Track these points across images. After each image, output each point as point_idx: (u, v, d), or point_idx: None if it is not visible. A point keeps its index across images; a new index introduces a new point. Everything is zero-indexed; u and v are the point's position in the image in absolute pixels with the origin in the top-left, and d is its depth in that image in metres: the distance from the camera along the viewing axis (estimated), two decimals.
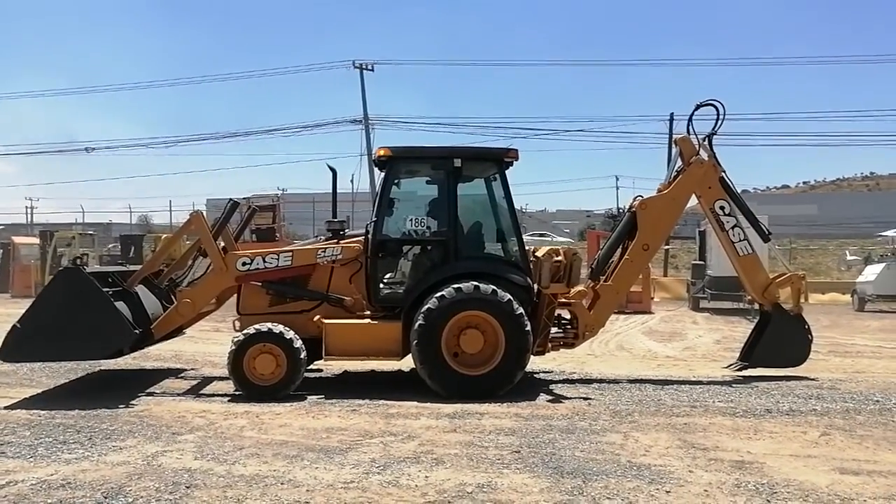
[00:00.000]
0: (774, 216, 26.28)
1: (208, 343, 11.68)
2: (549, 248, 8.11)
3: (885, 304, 20.37)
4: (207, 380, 8.54)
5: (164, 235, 26.31)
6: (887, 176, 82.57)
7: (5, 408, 6.90)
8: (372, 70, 34.58)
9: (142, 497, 4.40)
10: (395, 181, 7.98)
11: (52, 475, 4.82)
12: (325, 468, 4.99)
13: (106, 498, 4.38)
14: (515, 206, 8.15)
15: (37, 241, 26.89)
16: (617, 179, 61.07)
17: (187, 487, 4.57)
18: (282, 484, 4.65)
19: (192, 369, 9.36)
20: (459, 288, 7.29)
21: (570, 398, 7.38)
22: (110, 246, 29.39)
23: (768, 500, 4.34)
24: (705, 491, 4.51)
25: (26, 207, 49.63)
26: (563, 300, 8.16)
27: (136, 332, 7.29)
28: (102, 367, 9.16)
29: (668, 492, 4.49)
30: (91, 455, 5.31)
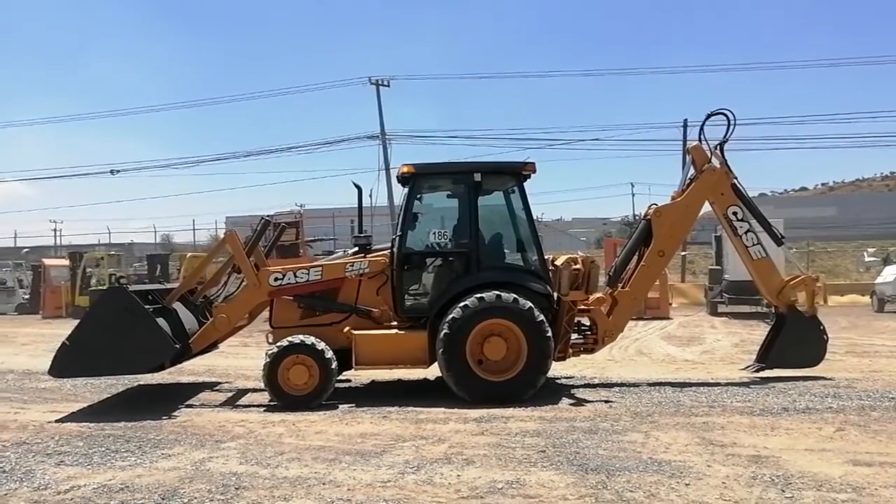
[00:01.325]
0: (792, 219, 26.40)
1: (238, 357, 12.08)
2: (567, 256, 8.40)
3: None
4: (242, 392, 8.91)
5: (190, 254, 26.91)
6: None
7: (56, 421, 7.31)
8: (388, 86, 35.12)
9: (196, 498, 4.74)
10: (418, 196, 8.33)
11: (110, 480, 5.18)
12: (363, 469, 5.31)
13: (163, 499, 4.73)
14: (534, 217, 8.46)
15: (66, 262, 27.57)
16: (633, 186, 61.08)
17: (236, 489, 4.91)
18: (324, 484, 4.98)
19: (227, 382, 9.74)
20: (482, 297, 7.60)
21: (592, 401, 7.64)
22: (136, 265, 30.04)
23: (783, 490, 4.60)
24: (723, 483, 4.77)
25: (52, 230, 50.63)
26: (583, 307, 8.44)
27: (177, 346, 7.69)
28: (141, 382, 9.57)
29: (687, 484, 4.76)
30: (143, 462, 5.67)
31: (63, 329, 17.52)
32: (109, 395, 8.89)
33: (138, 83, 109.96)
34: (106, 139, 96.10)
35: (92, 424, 7.04)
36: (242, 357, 12.21)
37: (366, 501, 4.59)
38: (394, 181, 36.85)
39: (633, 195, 54.75)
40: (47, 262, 29.24)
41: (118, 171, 42.13)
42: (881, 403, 7.26)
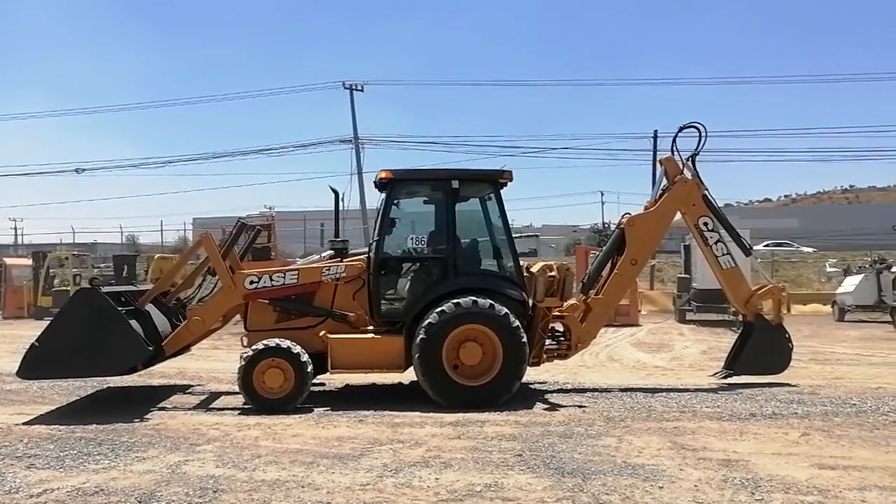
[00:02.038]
0: (756, 229, 26.98)
1: (209, 360, 11.96)
2: (543, 263, 8.52)
3: (864, 314, 20.95)
4: (215, 395, 8.83)
5: (158, 256, 26.51)
6: (866, 189, 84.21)
7: (24, 423, 7.17)
8: (361, 90, 35.08)
9: (174, 501, 4.72)
10: (396, 202, 8.37)
11: (84, 483, 5.12)
12: (341, 472, 5.33)
13: (140, 502, 4.69)
14: (510, 224, 8.56)
15: (29, 262, 26.94)
16: (602, 195, 62.06)
17: (214, 492, 4.89)
18: (302, 487, 4.99)
19: (198, 385, 9.64)
20: (459, 303, 7.67)
21: (566, 406, 7.75)
22: (101, 266, 29.46)
23: (753, 493, 4.74)
24: (695, 486, 4.90)
25: (12, 228, 49.38)
26: (557, 313, 8.56)
27: (150, 348, 7.61)
28: (110, 385, 9.42)
29: (661, 488, 4.88)
30: (117, 465, 5.61)
31: (25, 330, 17.20)
32: (78, 398, 8.74)
33: (107, 81, 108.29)
34: (71, 137, 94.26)
35: (62, 427, 6.93)
36: (213, 360, 12.09)
37: None
38: (367, 185, 36.83)
39: (603, 203, 55.51)
40: (9, 261, 28.55)
41: (84, 170, 41.34)
42: (843, 409, 7.50)
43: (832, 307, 22.26)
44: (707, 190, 9.17)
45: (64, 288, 24.78)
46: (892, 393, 8.48)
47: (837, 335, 16.96)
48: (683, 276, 21.82)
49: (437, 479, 5.14)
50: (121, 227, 51.80)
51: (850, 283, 21.23)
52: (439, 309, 7.66)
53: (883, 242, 32.38)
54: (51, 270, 25.50)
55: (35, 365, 7.36)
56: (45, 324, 8.06)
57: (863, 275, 20.88)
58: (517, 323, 7.74)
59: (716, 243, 9.10)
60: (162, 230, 38.46)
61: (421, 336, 7.62)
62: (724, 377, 9.27)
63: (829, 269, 24.68)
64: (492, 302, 7.70)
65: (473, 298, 7.68)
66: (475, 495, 4.77)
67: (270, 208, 38.00)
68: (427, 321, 7.64)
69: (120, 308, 7.59)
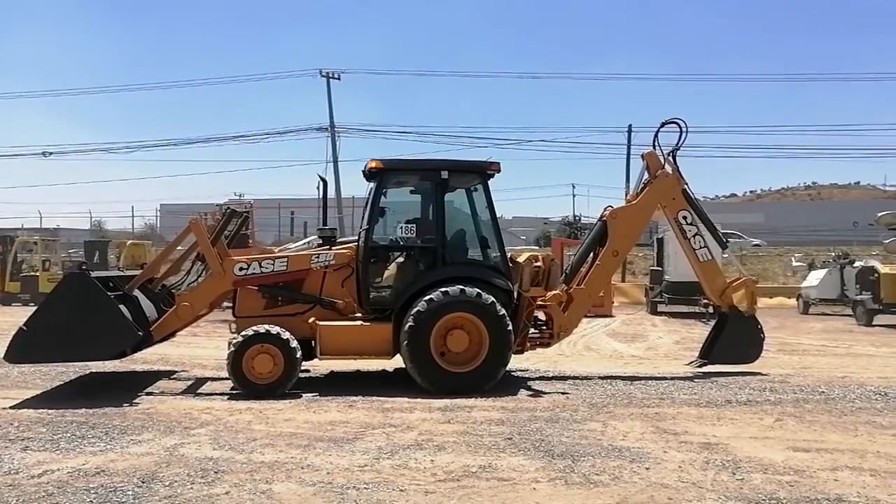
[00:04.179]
0: (723, 224, 27.57)
1: (190, 347, 11.96)
2: (529, 254, 8.71)
3: (827, 307, 21.64)
4: (201, 380, 8.87)
5: (130, 242, 26.18)
6: (828, 186, 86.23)
7: (11, 407, 7.14)
8: (338, 79, 34.87)
9: (177, 481, 4.81)
10: (385, 191, 8.48)
11: (84, 465, 5.18)
12: (338, 455, 5.47)
13: (143, 482, 4.78)
14: (497, 215, 8.73)
15: None
16: (573, 188, 62.63)
17: (216, 473, 4.99)
18: (302, 468, 5.11)
19: (183, 371, 9.66)
20: (446, 291, 7.83)
21: (549, 393, 7.98)
22: (70, 252, 28.93)
23: (734, 473, 5.01)
24: (679, 467, 5.15)
25: None
26: (540, 303, 8.77)
27: (140, 333, 7.63)
28: (93, 370, 9.40)
29: (647, 468, 5.12)
30: (114, 447, 5.67)
31: None
32: (62, 383, 8.71)
33: (76, 64, 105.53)
34: (38, 120, 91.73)
35: (51, 411, 6.93)
36: (194, 346, 12.09)
37: (347, 484, 4.76)
38: (343, 174, 36.70)
39: (574, 196, 56.03)
40: None
41: (51, 154, 40.45)
42: (813, 396, 7.85)
43: (797, 300, 22.93)
44: (686, 184, 9.45)
45: (32, 273, 24.33)
46: (857, 381, 8.89)
47: (803, 327, 17.54)
48: (656, 268, 22.27)
49: (432, 460, 5.31)
50: (90, 213, 50.91)
51: (815, 277, 21.88)
52: (427, 297, 7.80)
53: (844, 238, 33.37)
54: (18, 256, 24.98)
55: (23, 349, 7.33)
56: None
57: (826, 269, 21.53)
58: (503, 311, 7.93)
59: (694, 236, 9.39)
60: (133, 216, 37.87)
61: (409, 324, 7.77)
62: (699, 366, 9.59)
63: (794, 264, 25.40)
64: (479, 291, 7.87)
65: (461, 287, 7.84)
66: (471, 476, 4.95)
67: (240, 195, 37.65)
68: (416, 309, 7.78)
69: (109, 293, 7.59)
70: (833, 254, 23.16)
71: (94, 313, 7.31)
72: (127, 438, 5.95)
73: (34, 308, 7.98)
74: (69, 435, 6.05)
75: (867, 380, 9.06)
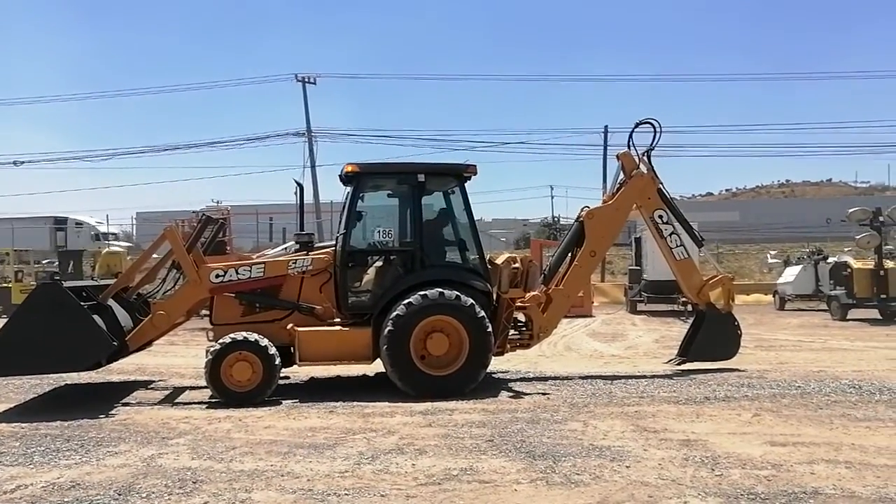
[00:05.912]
0: (700, 222, 27.86)
1: (167, 356, 11.82)
2: (507, 256, 8.73)
3: (803, 303, 21.97)
4: (178, 389, 8.76)
5: (105, 251, 25.79)
6: (801, 183, 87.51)
7: None
8: (314, 83, 34.76)
9: (154, 492, 4.74)
10: (361, 195, 8.45)
11: (58, 478, 5.08)
12: (318, 461, 5.42)
13: (120, 495, 4.70)
14: (475, 217, 8.73)
15: None
16: (552, 189, 62.86)
17: (194, 483, 4.93)
18: (282, 476, 5.06)
19: (160, 380, 9.54)
20: (425, 295, 7.81)
21: (530, 394, 7.99)
22: (44, 262, 28.43)
23: (713, 469, 5.05)
24: (659, 464, 5.18)
25: None
26: (519, 304, 8.78)
27: (115, 344, 7.52)
28: (68, 382, 9.24)
29: (627, 467, 5.14)
30: (89, 460, 5.57)
31: None
32: (36, 395, 8.56)
33: (45, 72, 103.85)
34: (8, 129, 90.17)
35: (25, 424, 6.80)
36: (171, 356, 11.95)
37: (327, 491, 4.72)
38: (321, 178, 36.53)
39: (553, 197, 56.27)
40: None
41: (22, 163, 39.81)
42: (790, 392, 7.95)
43: (773, 296, 23.25)
44: (662, 184, 9.53)
45: (5, 284, 23.89)
46: (832, 376, 9.02)
47: (779, 323, 17.78)
48: (634, 268, 22.46)
49: (413, 464, 5.29)
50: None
51: (790, 273, 22.21)
52: (406, 301, 7.79)
53: (818, 234, 33.85)
54: None
55: None
56: None
57: (801, 266, 21.86)
58: (483, 314, 7.93)
59: (670, 235, 9.48)
60: (108, 224, 37.27)
61: (389, 328, 7.74)
62: (678, 364, 9.68)
63: (770, 261, 25.75)
64: (458, 293, 7.87)
65: (440, 290, 7.83)
66: (453, 479, 4.93)
67: (218, 202, 37.31)
68: (395, 313, 7.76)
69: (82, 303, 7.47)
70: (807, 250, 23.50)
71: (67, 324, 7.19)
72: (103, 450, 5.86)
73: (6, 319, 7.84)
74: (43, 448, 5.94)
75: (842, 373, 9.20)
